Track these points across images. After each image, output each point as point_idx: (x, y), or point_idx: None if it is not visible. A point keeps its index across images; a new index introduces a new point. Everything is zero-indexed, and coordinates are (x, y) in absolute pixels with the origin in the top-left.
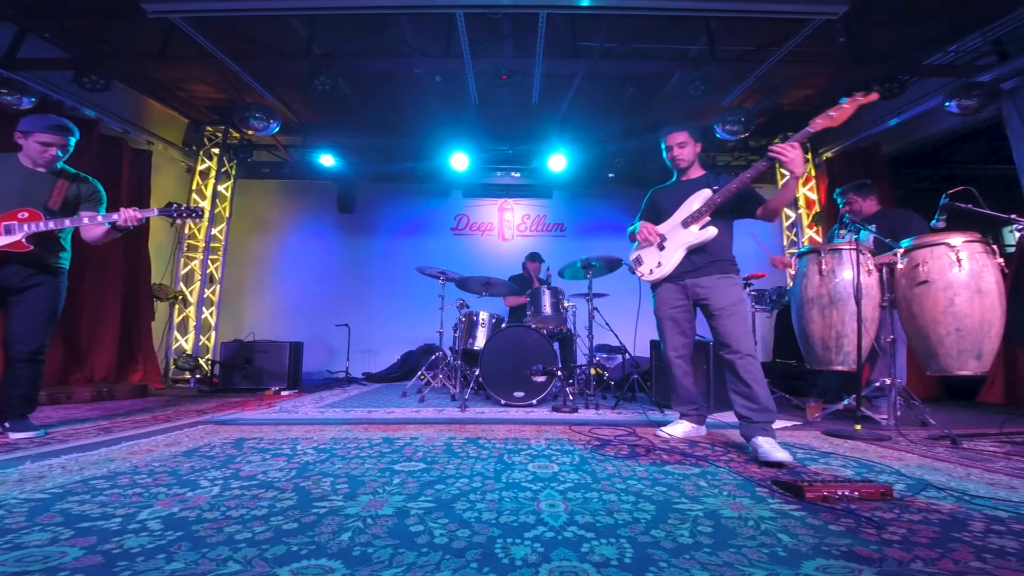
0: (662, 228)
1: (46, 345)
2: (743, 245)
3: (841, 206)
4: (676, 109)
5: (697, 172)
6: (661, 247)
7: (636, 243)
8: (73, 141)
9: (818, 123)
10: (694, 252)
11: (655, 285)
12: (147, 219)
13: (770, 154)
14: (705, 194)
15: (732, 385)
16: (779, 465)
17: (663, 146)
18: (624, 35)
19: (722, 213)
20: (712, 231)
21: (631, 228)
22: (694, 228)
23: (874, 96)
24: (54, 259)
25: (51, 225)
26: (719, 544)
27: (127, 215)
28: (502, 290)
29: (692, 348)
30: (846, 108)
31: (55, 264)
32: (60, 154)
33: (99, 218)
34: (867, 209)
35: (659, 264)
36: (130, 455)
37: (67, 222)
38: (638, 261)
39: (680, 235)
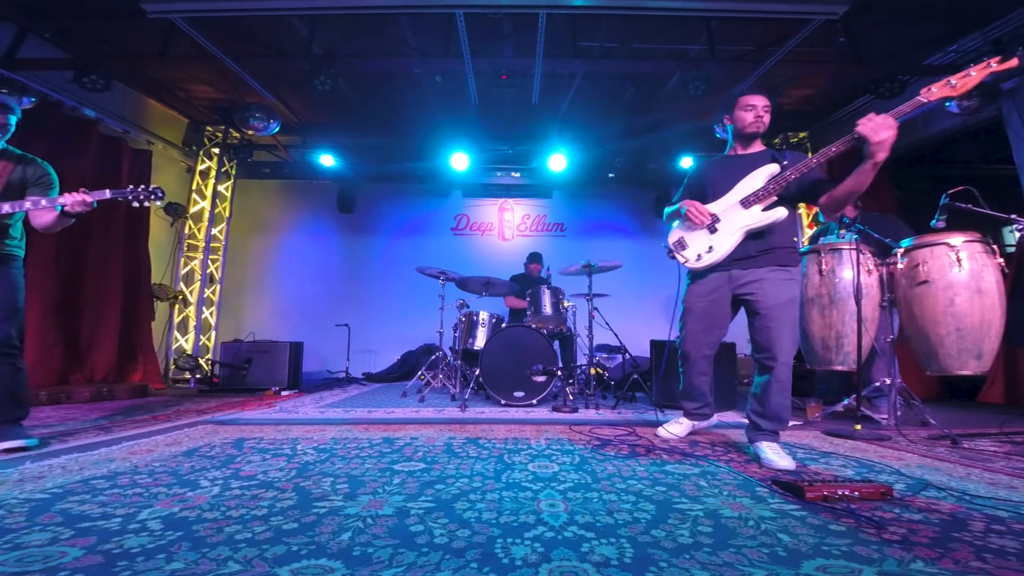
0: (713, 207)
1: (13, 338)
2: None
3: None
4: (676, 109)
5: (757, 146)
6: (712, 229)
7: (675, 223)
8: (13, 120)
9: (934, 92)
10: (752, 237)
11: (697, 273)
12: (145, 217)
13: (857, 130)
14: (771, 170)
15: (756, 388)
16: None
17: (733, 111)
18: (624, 35)
19: (785, 196)
20: (782, 212)
21: (669, 209)
22: (756, 208)
23: (1013, 62)
24: (1, 246)
25: None
26: (719, 544)
27: (74, 199)
28: (502, 290)
29: (716, 348)
30: (974, 76)
31: (2, 252)
32: None
33: (43, 202)
34: (851, 215)
35: (710, 249)
36: (130, 455)
37: (6, 207)
38: (680, 244)
39: (739, 216)
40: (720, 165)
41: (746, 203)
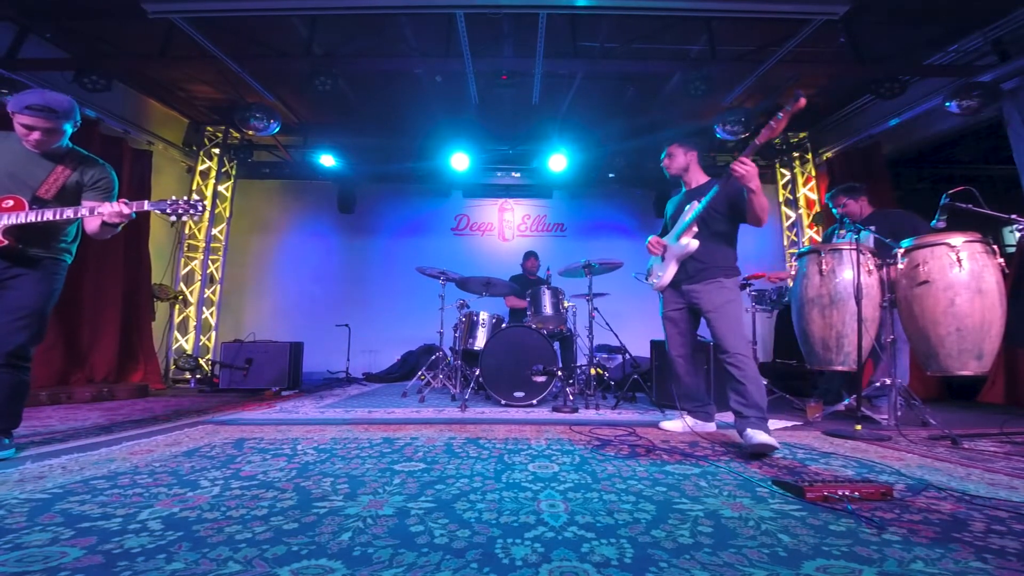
0: (667, 239)
1: (25, 349)
2: (743, 246)
3: (833, 209)
4: (677, 109)
5: (699, 179)
6: (663, 259)
7: None
8: (66, 124)
9: (763, 135)
10: (686, 261)
11: (662, 290)
12: (146, 217)
13: (729, 169)
14: (694, 207)
15: (728, 382)
16: (763, 452)
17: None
18: (624, 35)
19: (721, 220)
20: (693, 244)
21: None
22: (684, 240)
23: (802, 103)
24: (44, 251)
25: (31, 218)
26: (719, 544)
27: (111, 210)
28: (502, 290)
29: (691, 348)
30: (782, 119)
31: (47, 256)
32: (44, 138)
33: (83, 211)
34: (860, 211)
35: (659, 276)
36: (130, 455)
37: (48, 214)
38: (649, 272)
39: (673, 248)
40: (674, 202)
41: (678, 236)
